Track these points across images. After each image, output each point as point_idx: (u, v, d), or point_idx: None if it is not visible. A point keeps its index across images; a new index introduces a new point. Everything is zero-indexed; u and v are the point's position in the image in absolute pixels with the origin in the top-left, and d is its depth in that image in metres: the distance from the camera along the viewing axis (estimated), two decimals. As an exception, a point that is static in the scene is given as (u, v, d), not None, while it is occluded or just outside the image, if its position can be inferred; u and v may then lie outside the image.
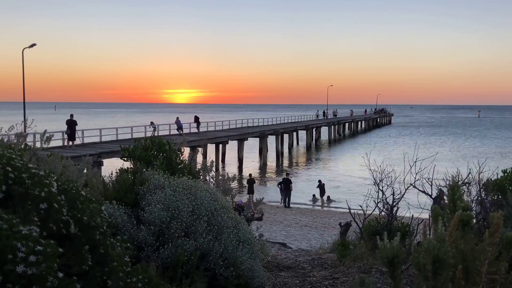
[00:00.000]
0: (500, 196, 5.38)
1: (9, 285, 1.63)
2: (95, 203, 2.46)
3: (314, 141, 59.77)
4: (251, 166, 39.94)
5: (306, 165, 43.10)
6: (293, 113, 73.58)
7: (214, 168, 7.71)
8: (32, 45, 32.74)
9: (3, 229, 1.73)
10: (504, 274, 2.11)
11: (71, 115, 26.64)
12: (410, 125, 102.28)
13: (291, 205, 24.48)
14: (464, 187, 5.84)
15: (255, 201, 8.17)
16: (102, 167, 22.13)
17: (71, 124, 25.90)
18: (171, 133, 37.04)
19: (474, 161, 6.23)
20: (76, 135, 26.81)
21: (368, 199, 7.10)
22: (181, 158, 5.84)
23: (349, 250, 7.05)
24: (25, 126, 5.75)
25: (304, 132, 57.63)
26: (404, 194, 6.95)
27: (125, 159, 5.67)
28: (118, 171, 5.07)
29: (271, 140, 46.94)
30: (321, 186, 27.63)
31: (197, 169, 6.94)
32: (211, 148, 37.37)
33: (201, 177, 6.85)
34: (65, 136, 26.28)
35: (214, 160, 8.49)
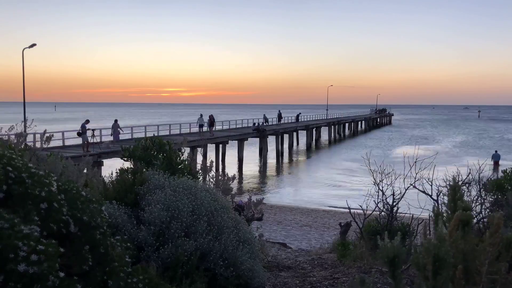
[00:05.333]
0: (500, 196, 5.38)
1: (11, 284, 1.63)
2: (95, 203, 2.45)
3: (314, 141, 59.73)
4: (251, 166, 39.94)
5: (306, 165, 43.09)
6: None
7: (214, 168, 7.72)
8: (32, 45, 32.72)
9: (4, 228, 1.73)
10: (504, 275, 2.12)
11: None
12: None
13: None
14: (464, 187, 5.84)
15: (255, 201, 8.17)
16: (102, 167, 22.11)
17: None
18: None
19: (474, 161, 6.23)
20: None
21: (368, 199, 7.09)
22: (181, 158, 5.84)
23: (349, 250, 7.05)
24: (25, 126, 5.75)
25: (304, 132, 57.59)
26: (404, 194, 6.94)
27: (125, 159, 5.67)
28: (118, 171, 5.07)
29: (271, 140, 46.91)
30: None
31: (197, 169, 6.95)
32: (211, 148, 37.35)
33: (201, 177, 6.85)
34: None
35: (214, 160, 8.49)
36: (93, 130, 24.98)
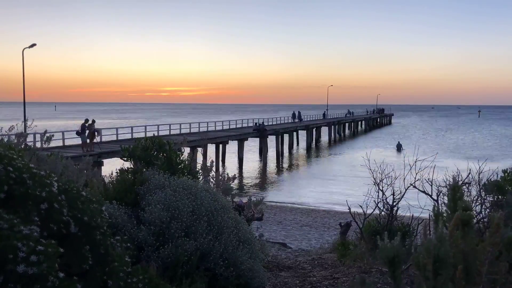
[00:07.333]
0: (500, 196, 5.38)
1: (10, 284, 1.63)
2: (95, 203, 2.45)
3: (314, 142, 59.73)
4: (251, 166, 39.95)
5: (306, 165, 43.10)
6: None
7: (214, 168, 7.72)
8: (32, 45, 32.75)
9: (4, 229, 1.73)
10: (504, 274, 2.12)
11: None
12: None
13: None
14: (464, 187, 5.84)
15: (255, 201, 8.17)
16: (102, 167, 22.12)
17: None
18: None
19: (474, 161, 6.23)
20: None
21: (368, 199, 7.09)
22: (181, 158, 5.84)
23: (349, 250, 7.05)
24: (25, 126, 5.76)
25: (304, 132, 57.60)
26: (404, 194, 6.94)
27: (125, 159, 5.67)
28: (118, 171, 5.08)
29: (271, 140, 46.92)
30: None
31: (197, 169, 6.94)
32: (211, 148, 37.36)
33: (201, 177, 6.85)
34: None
35: (214, 160, 8.49)
36: (95, 130, 24.98)
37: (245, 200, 8.56)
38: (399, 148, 48.07)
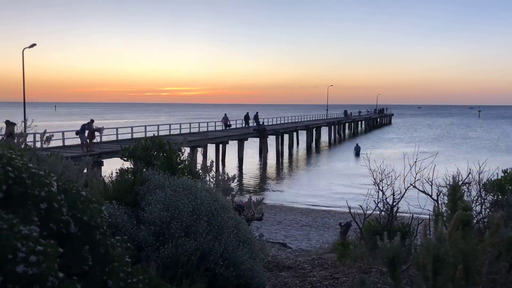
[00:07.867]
0: (500, 196, 5.37)
1: (9, 285, 1.63)
2: (95, 203, 2.45)
3: (314, 142, 59.73)
4: (251, 166, 39.94)
5: (306, 165, 43.09)
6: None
7: (214, 168, 7.72)
8: (32, 45, 32.75)
9: (3, 229, 1.73)
10: (504, 274, 2.11)
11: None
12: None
13: None
14: (464, 187, 5.83)
15: (255, 201, 8.17)
16: (102, 167, 22.11)
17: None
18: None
19: (474, 161, 6.23)
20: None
21: (368, 199, 7.09)
22: (181, 158, 5.84)
23: (349, 250, 7.05)
24: (25, 126, 5.76)
25: (304, 132, 57.62)
26: (404, 194, 6.94)
27: (125, 159, 5.67)
28: (118, 171, 5.07)
29: (271, 140, 46.91)
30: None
31: (197, 169, 6.94)
32: (211, 148, 37.36)
33: (201, 177, 6.84)
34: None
35: (214, 160, 8.48)
36: (95, 129, 24.97)
37: (245, 200, 8.56)
38: (357, 152, 43.78)
